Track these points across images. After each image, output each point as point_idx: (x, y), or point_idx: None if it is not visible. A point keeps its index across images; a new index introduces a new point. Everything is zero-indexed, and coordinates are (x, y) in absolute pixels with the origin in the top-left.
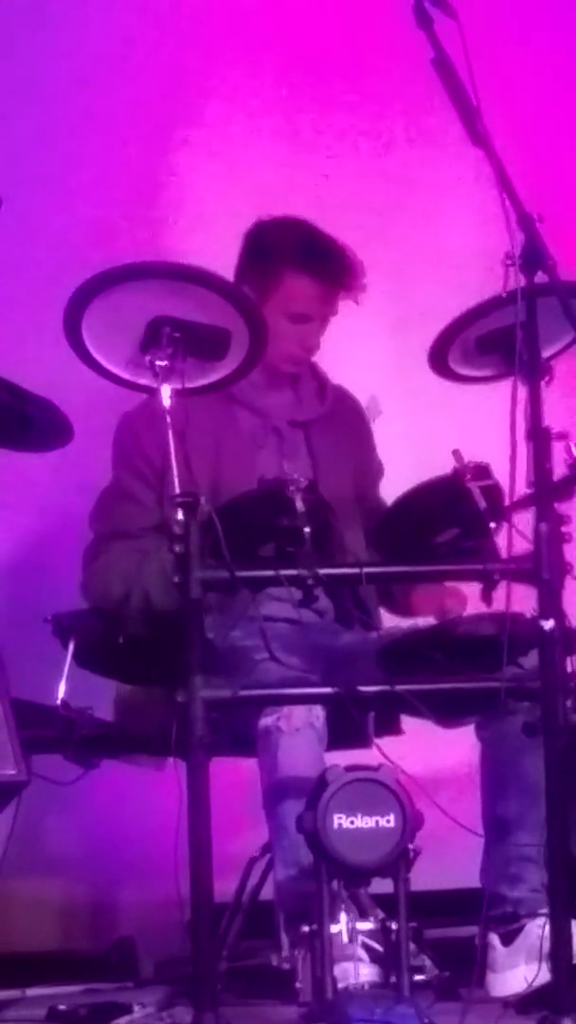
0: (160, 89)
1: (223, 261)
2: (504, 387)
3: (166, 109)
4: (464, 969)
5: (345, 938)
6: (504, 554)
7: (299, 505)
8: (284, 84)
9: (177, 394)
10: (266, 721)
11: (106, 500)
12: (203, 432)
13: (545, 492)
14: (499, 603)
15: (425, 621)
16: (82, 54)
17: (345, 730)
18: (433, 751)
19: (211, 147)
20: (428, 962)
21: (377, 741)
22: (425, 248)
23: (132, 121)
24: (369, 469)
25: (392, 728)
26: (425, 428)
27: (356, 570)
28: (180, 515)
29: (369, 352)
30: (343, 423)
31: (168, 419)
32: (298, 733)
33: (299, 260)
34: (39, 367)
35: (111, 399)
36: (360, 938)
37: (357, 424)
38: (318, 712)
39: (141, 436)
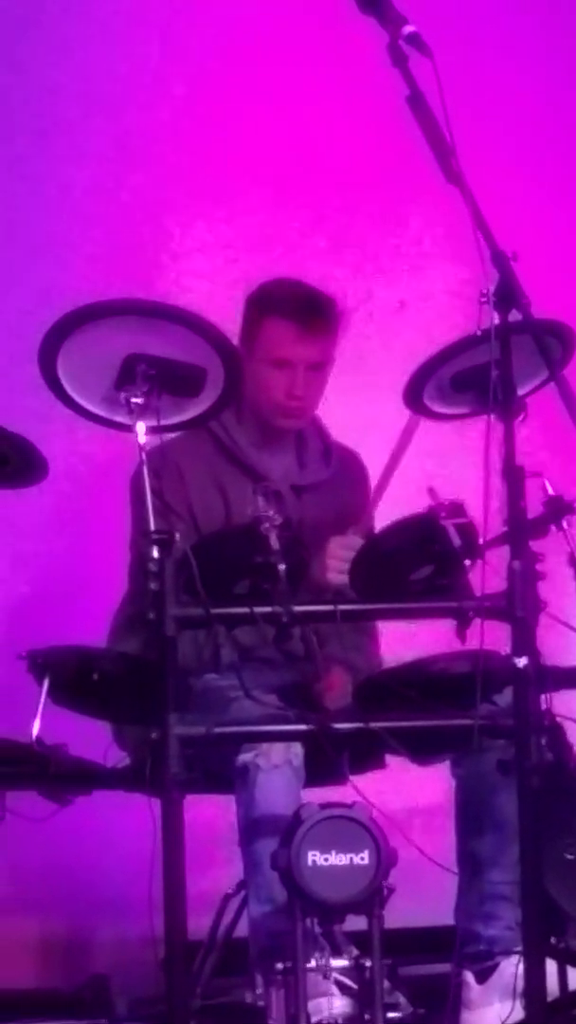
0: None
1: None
2: (479, 423)
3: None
4: (438, 1007)
5: (319, 975)
6: (478, 592)
7: (274, 542)
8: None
9: (152, 431)
10: (244, 758)
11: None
12: (211, 496)
13: (519, 530)
14: (473, 640)
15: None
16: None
17: (322, 767)
18: (408, 788)
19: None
20: (402, 999)
21: (353, 778)
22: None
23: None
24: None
25: (376, 763)
26: (400, 465)
27: (331, 607)
28: (155, 552)
29: (344, 389)
30: (344, 489)
31: (143, 456)
32: (276, 770)
33: (277, 306)
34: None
35: (87, 438)
36: (334, 975)
37: (358, 490)
38: (296, 749)
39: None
